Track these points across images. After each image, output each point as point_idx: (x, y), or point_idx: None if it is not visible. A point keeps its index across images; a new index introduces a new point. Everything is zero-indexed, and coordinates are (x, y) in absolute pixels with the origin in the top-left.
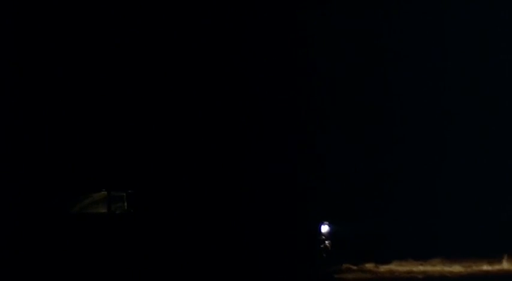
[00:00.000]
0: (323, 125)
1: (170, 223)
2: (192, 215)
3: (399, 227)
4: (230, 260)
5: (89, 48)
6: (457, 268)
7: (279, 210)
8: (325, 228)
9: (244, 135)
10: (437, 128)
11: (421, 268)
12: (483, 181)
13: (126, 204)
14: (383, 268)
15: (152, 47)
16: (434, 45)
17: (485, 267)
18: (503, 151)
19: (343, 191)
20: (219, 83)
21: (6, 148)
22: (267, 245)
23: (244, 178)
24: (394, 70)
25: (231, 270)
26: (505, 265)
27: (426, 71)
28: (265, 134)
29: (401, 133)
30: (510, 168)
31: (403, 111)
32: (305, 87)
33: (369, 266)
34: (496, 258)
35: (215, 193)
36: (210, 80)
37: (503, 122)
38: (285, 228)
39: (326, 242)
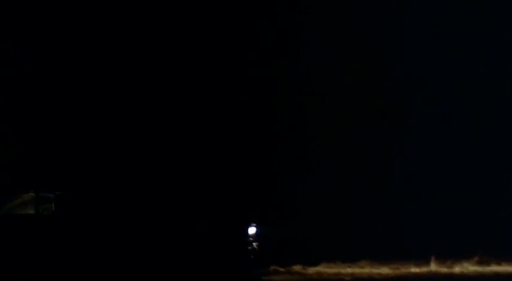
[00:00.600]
0: (250, 125)
1: (99, 225)
2: (120, 217)
3: (327, 229)
4: (157, 262)
5: None
6: (385, 270)
7: (205, 211)
8: (252, 230)
9: (170, 134)
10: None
11: (349, 270)
12: (409, 182)
13: (53, 205)
14: (311, 270)
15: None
16: (433, 44)
17: (413, 269)
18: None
19: (271, 192)
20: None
21: None
22: (193, 247)
23: (171, 179)
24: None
25: (158, 272)
26: (432, 267)
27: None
28: (191, 134)
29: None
30: (436, 169)
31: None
32: None
33: (297, 268)
34: (423, 260)
35: (144, 195)
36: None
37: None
38: (211, 230)
39: (254, 244)
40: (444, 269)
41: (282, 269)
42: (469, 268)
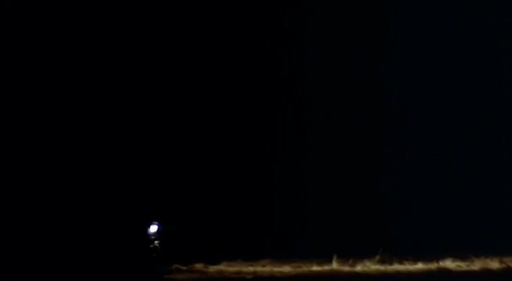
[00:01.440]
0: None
1: None
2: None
3: (229, 227)
4: (55, 262)
5: None
6: (286, 269)
7: (105, 210)
8: (154, 228)
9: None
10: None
11: (250, 268)
12: (306, 178)
13: None
14: (212, 269)
15: None
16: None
17: (315, 268)
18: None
19: (172, 190)
20: None
21: None
22: (94, 246)
23: (70, 176)
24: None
25: (55, 272)
26: (334, 265)
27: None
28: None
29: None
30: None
31: None
32: None
33: (199, 266)
34: (325, 258)
35: (36, 193)
36: None
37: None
38: (112, 228)
39: (155, 242)
40: (346, 268)
41: (183, 268)
42: (371, 266)
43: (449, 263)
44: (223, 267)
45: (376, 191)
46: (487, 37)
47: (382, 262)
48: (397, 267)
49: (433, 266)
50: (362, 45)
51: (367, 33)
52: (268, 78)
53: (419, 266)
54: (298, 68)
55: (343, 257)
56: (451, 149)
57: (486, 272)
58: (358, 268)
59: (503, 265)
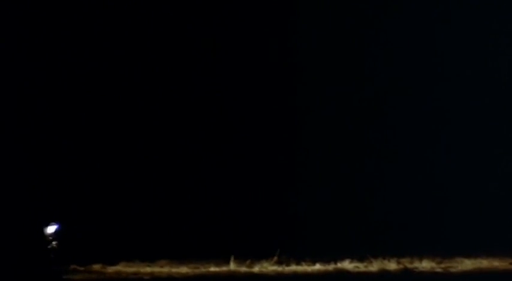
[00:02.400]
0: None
1: None
2: None
3: (126, 227)
4: None
5: None
6: (184, 269)
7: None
8: (52, 228)
9: None
10: None
11: (148, 269)
12: (209, 182)
13: None
14: (110, 269)
15: None
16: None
17: (213, 268)
18: None
19: (71, 190)
20: None
21: None
22: None
23: None
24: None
25: None
26: (232, 266)
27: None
28: None
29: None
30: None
31: None
32: None
33: (96, 267)
34: (223, 259)
35: None
36: None
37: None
38: (8, 228)
39: (53, 242)
40: (243, 269)
41: (81, 268)
42: (269, 267)
43: (347, 265)
44: (121, 268)
45: (274, 192)
46: (487, 37)
47: (279, 263)
48: (294, 268)
49: (330, 267)
50: (361, 45)
51: (366, 33)
52: (264, 78)
53: (317, 267)
54: (296, 68)
55: (241, 258)
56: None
57: (384, 273)
58: (256, 269)
59: (401, 266)
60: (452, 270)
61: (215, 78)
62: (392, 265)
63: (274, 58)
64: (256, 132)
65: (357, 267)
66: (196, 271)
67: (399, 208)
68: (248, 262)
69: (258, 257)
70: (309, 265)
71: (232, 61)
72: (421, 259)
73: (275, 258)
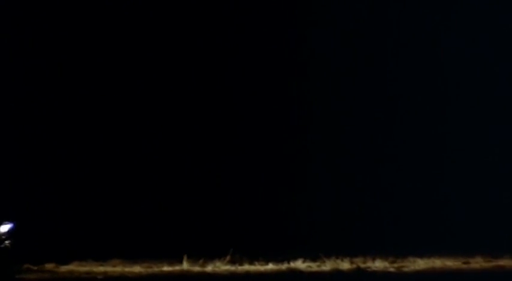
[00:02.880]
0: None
1: None
2: None
3: (79, 227)
4: None
5: None
6: (137, 269)
7: None
8: (5, 227)
9: None
10: None
11: (101, 268)
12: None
13: None
14: (63, 268)
15: None
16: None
17: (166, 268)
18: None
19: (24, 188)
20: None
21: None
22: None
23: None
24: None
25: None
26: (185, 266)
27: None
28: None
29: None
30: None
31: None
32: None
33: (49, 266)
34: (176, 259)
35: None
36: None
37: None
38: None
39: (6, 242)
40: (196, 268)
41: (34, 268)
42: (222, 267)
43: (299, 264)
44: (74, 267)
45: (226, 192)
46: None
47: (232, 262)
48: (247, 268)
49: (283, 267)
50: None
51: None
52: (265, 78)
53: (270, 266)
54: (297, 69)
55: (194, 258)
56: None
57: (337, 273)
58: (209, 268)
59: (354, 266)
60: (405, 269)
61: (217, 79)
62: (345, 265)
63: (275, 59)
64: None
65: (310, 267)
66: (149, 270)
67: (352, 208)
68: (201, 261)
69: (211, 257)
70: (262, 265)
71: (232, 61)
72: (374, 259)
73: (228, 257)
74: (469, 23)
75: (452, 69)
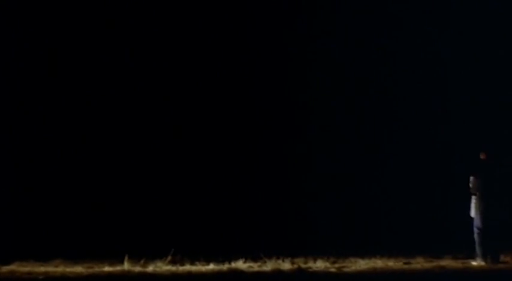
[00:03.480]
0: None
1: None
2: None
3: (20, 227)
4: None
5: None
6: (78, 269)
7: None
8: None
9: None
10: None
11: (42, 268)
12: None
13: None
14: (4, 269)
15: None
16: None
17: (107, 268)
18: None
19: None
20: None
21: None
22: None
23: None
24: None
25: None
26: (126, 266)
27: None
28: None
29: None
30: None
31: None
32: None
33: None
34: (117, 259)
35: None
36: None
37: None
38: None
39: None
40: (138, 268)
41: None
42: (163, 267)
43: (241, 264)
44: (15, 267)
45: (167, 192)
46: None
47: (173, 262)
48: (188, 268)
49: (224, 267)
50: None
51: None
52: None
53: (211, 267)
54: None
55: (135, 258)
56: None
57: (278, 273)
58: (150, 268)
59: (295, 266)
60: (346, 270)
61: (217, 79)
62: (286, 265)
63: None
64: None
65: (251, 267)
66: (90, 270)
67: (293, 208)
68: (142, 261)
69: (152, 257)
70: (203, 265)
71: (233, 61)
72: (315, 259)
73: (169, 258)
74: (469, 23)
75: (452, 70)
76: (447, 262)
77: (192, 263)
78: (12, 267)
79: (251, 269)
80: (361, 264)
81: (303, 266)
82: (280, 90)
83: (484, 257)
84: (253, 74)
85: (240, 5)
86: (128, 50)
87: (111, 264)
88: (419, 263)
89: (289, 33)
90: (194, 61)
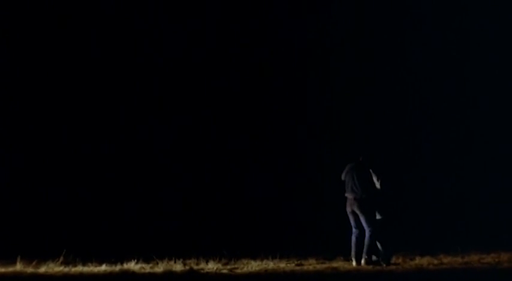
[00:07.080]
0: None
1: None
2: None
3: None
4: None
5: None
6: None
7: None
8: None
9: None
10: None
11: None
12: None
13: None
14: None
15: None
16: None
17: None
18: None
19: None
20: None
21: None
22: None
23: None
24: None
25: None
26: (18, 267)
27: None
28: None
29: None
30: None
31: None
32: None
33: None
34: (9, 260)
35: None
36: None
37: None
38: None
39: None
40: (30, 269)
41: None
42: (55, 268)
43: (132, 266)
44: None
45: (60, 192)
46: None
47: (65, 263)
48: (80, 269)
49: (116, 268)
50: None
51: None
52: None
53: (104, 268)
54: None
55: (27, 259)
56: None
57: (169, 274)
58: (42, 269)
59: (187, 267)
60: (238, 271)
61: (218, 79)
62: (178, 266)
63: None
64: None
65: (143, 268)
66: None
67: (185, 209)
68: (34, 262)
69: (44, 258)
70: (95, 266)
71: (233, 61)
72: (207, 260)
73: (61, 259)
74: (469, 23)
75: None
76: (340, 264)
77: (84, 264)
78: None
79: (143, 271)
80: (253, 265)
81: (195, 267)
82: (280, 90)
83: (359, 257)
84: (253, 75)
85: (240, 5)
86: (130, 50)
87: (3, 265)
88: (312, 265)
89: (289, 33)
90: (194, 61)
